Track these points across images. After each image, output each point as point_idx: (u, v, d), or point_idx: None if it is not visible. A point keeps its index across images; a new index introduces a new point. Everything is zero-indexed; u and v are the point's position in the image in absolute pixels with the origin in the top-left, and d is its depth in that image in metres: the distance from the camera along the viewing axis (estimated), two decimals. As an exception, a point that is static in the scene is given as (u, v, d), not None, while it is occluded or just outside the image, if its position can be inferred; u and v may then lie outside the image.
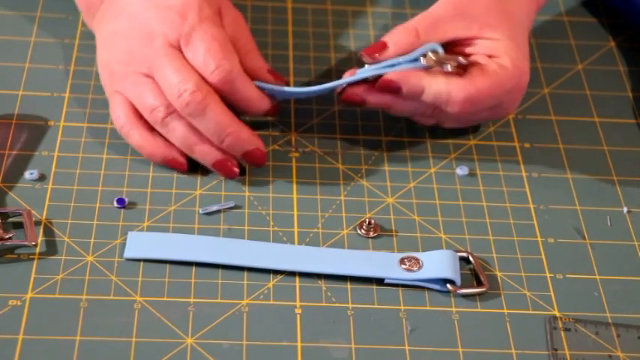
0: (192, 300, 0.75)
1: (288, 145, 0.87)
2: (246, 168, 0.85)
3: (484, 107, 0.84)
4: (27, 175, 0.81)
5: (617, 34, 1.01)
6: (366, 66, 0.84)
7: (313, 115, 0.90)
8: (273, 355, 0.72)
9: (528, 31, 0.89)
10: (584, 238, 0.82)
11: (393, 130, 0.89)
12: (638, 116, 0.93)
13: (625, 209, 0.85)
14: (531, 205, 0.84)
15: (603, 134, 0.91)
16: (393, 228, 0.81)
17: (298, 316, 0.75)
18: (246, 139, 0.82)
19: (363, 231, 0.81)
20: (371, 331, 0.75)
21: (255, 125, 0.88)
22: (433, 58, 0.82)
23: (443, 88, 0.82)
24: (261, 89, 0.83)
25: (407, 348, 0.74)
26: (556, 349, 0.74)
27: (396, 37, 0.84)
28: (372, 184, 0.85)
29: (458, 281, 0.77)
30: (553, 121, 0.92)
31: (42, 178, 0.82)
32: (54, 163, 0.83)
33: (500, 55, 0.84)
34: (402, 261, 0.78)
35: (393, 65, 0.83)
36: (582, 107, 0.93)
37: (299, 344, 0.73)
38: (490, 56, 0.84)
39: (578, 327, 0.76)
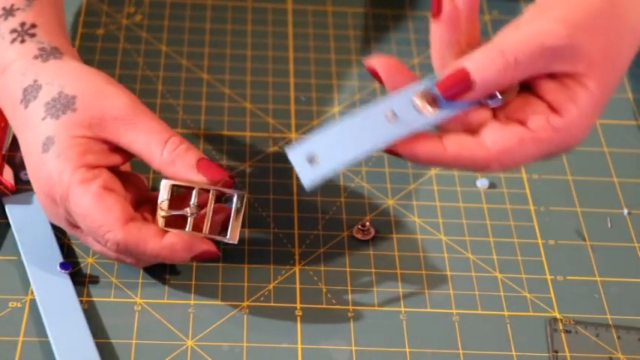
0: (192, 302, 0.75)
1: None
2: (247, 169, 0.85)
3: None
4: (23, 175, 0.81)
5: (618, 35, 1.01)
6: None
7: (313, 117, 0.90)
8: (274, 357, 0.72)
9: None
10: (585, 240, 0.82)
11: (393, 131, 0.89)
12: (638, 117, 0.93)
13: (625, 211, 0.85)
14: (532, 207, 0.84)
15: (603, 136, 0.91)
16: (393, 230, 0.81)
17: (299, 318, 0.75)
18: (185, 247, 0.73)
19: (359, 234, 0.80)
20: (371, 333, 0.74)
21: (254, 127, 0.88)
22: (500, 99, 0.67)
23: (468, 154, 0.67)
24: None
25: (407, 350, 0.73)
26: (556, 351, 0.74)
27: (484, 71, 0.65)
28: (373, 185, 0.85)
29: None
30: (553, 123, 0.91)
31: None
32: (54, 164, 0.83)
33: (566, 113, 0.67)
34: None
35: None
36: (582, 109, 0.93)
37: (299, 346, 0.73)
38: (553, 109, 0.67)
39: (578, 329, 0.76)
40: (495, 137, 0.67)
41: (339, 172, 0.85)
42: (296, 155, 0.65)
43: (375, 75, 0.68)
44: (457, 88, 0.65)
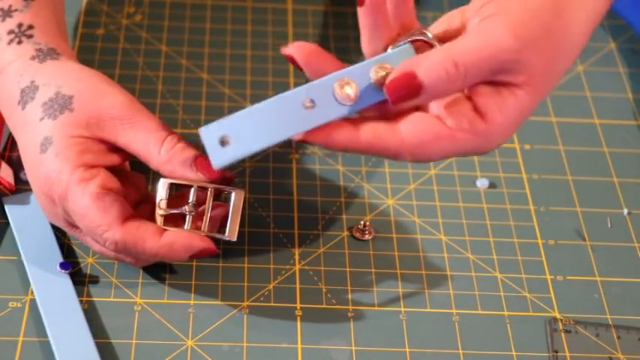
0: (192, 302, 0.75)
1: (288, 147, 0.87)
2: (247, 170, 0.85)
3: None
4: (22, 175, 0.81)
5: (618, 35, 1.01)
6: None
7: (313, 117, 0.90)
8: (274, 357, 0.72)
9: None
10: (585, 240, 0.82)
11: (393, 131, 0.89)
12: (638, 118, 0.93)
13: (625, 211, 0.85)
14: (532, 207, 0.84)
15: (603, 136, 0.91)
16: (393, 230, 0.81)
17: (299, 318, 0.75)
18: (184, 246, 0.72)
19: (358, 234, 0.80)
20: (371, 333, 0.74)
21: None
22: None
23: (378, 143, 0.67)
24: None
25: (407, 350, 0.73)
26: (556, 351, 0.74)
27: (435, 79, 0.64)
28: (372, 185, 0.85)
29: None
30: (553, 123, 0.92)
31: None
32: (54, 164, 0.83)
33: (490, 120, 0.66)
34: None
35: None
36: (582, 109, 0.93)
37: (299, 346, 0.73)
38: (478, 112, 0.67)
39: (578, 329, 0.76)
40: (412, 129, 0.66)
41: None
42: (208, 135, 0.65)
43: (293, 62, 0.67)
44: (405, 91, 0.65)
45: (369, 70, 0.66)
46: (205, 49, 0.95)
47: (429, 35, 0.67)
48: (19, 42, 0.76)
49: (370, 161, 0.86)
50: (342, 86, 0.66)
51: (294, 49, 0.67)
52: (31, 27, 0.76)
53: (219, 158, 0.65)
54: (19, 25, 0.76)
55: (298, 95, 0.66)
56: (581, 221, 0.83)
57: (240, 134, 0.65)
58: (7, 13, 0.77)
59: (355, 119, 0.67)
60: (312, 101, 0.65)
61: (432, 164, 0.86)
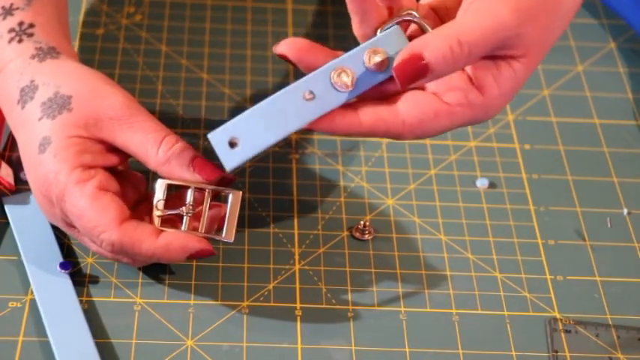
0: (192, 302, 0.75)
1: (288, 147, 0.87)
2: (247, 170, 0.85)
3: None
4: (22, 175, 0.81)
5: (618, 35, 1.01)
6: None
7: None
8: (274, 357, 0.72)
9: None
10: (585, 240, 0.82)
11: (393, 131, 0.89)
12: (638, 117, 0.93)
13: (625, 211, 0.85)
14: (531, 207, 0.84)
15: (603, 136, 0.91)
16: (393, 229, 0.81)
17: (298, 318, 0.75)
18: (180, 246, 0.72)
19: (358, 234, 0.80)
20: (371, 333, 0.74)
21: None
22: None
23: (381, 127, 0.68)
24: None
25: (407, 350, 0.74)
26: (556, 351, 0.74)
27: (441, 60, 0.65)
28: (372, 185, 0.85)
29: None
30: (553, 123, 0.92)
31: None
32: (54, 164, 0.83)
33: (486, 93, 0.67)
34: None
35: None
36: (582, 108, 0.93)
37: (299, 346, 0.73)
38: (474, 84, 0.68)
39: (578, 329, 0.76)
40: (410, 109, 0.67)
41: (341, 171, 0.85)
42: (217, 139, 0.66)
43: (286, 60, 0.68)
44: (413, 73, 0.65)
45: (362, 55, 0.68)
46: (205, 49, 0.95)
47: (416, 15, 0.68)
48: (20, 40, 0.76)
49: (370, 161, 0.86)
50: (338, 74, 0.67)
51: (286, 47, 0.68)
52: (32, 25, 0.76)
53: (231, 160, 0.66)
54: (20, 24, 0.76)
55: (298, 89, 0.67)
56: (581, 221, 0.83)
57: (247, 134, 0.66)
58: (9, 11, 0.77)
59: (355, 103, 0.68)
60: (311, 93, 0.67)
61: (431, 164, 0.86)
